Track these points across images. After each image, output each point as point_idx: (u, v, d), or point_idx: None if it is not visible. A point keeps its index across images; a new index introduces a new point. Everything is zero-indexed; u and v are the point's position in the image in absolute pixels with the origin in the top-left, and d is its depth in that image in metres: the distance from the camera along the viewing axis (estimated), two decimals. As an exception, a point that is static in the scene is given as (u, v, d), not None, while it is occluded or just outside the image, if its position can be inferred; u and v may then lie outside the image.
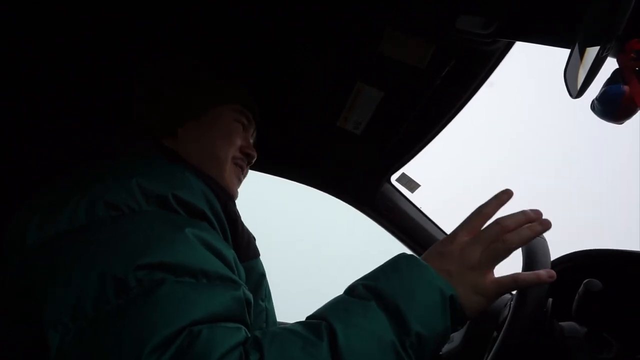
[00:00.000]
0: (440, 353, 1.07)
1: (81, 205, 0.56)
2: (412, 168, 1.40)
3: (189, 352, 0.45)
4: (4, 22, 0.82)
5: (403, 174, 1.42)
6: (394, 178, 1.45)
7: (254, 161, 0.93)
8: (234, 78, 0.93)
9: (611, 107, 0.60)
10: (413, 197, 1.48)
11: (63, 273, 0.51)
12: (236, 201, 0.87)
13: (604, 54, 0.58)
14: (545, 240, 0.75)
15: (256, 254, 0.78)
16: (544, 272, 0.61)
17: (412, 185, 1.46)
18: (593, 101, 0.63)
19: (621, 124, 0.64)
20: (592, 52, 0.61)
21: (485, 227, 0.62)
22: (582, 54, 0.62)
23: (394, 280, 0.57)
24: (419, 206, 1.50)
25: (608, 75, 0.65)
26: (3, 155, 0.76)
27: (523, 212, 0.63)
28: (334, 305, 0.57)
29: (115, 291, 0.49)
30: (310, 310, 0.58)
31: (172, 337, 0.46)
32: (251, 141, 0.96)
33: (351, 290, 0.59)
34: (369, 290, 0.57)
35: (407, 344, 0.52)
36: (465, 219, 0.64)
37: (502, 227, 0.61)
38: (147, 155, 0.73)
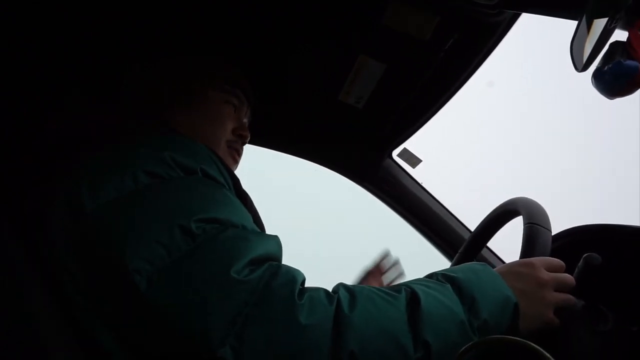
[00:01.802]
0: None
1: (125, 176, 0.60)
2: (413, 143, 1.39)
3: (278, 276, 0.55)
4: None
5: (404, 149, 1.42)
6: (395, 153, 1.44)
7: (247, 141, 0.93)
8: (229, 55, 0.91)
9: (621, 81, 0.59)
10: (414, 172, 1.48)
11: (133, 229, 0.56)
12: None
13: (612, 26, 0.57)
14: (549, 232, 0.77)
15: (262, 229, 0.79)
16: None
17: (414, 161, 1.46)
18: (600, 70, 0.61)
19: (612, 99, 0.63)
20: (599, 23, 0.60)
21: (563, 275, 0.69)
22: (589, 26, 0.61)
23: (470, 276, 0.63)
24: (420, 181, 1.50)
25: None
26: (21, 131, 0.77)
27: None
28: (414, 280, 0.64)
29: (184, 239, 0.56)
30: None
31: (255, 262, 0.56)
32: (245, 121, 0.95)
33: (429, 276, 0.66)
34: (446, 278, 0.63)
35: (475, 325, 0.58)
36: (548, 258, 0.71)
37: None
38: (168, 132, 0.76)
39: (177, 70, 0.87)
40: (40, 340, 0.55)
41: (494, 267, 0.71)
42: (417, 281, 0.63)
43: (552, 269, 0.69)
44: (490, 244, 1.16)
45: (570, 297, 0.68)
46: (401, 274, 1.07)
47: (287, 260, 0.65)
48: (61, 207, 0.61)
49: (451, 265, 1.12)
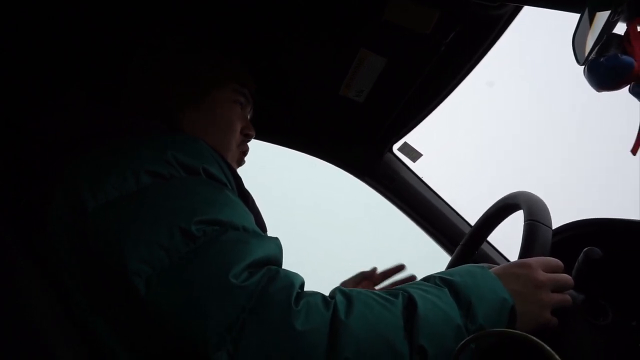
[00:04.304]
0: None
1: (126, 176, 0.60)
2: (414, 137, 1.39)
3: (275, 281, 0.54)
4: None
5: (405, 143, 1.42)
6: (396, 147, 1.44)
7: (252, 139, 0.93)
8: (229, 50, 0.90)
9: (614, 75, 0.59)
10: (415, 166, 1.48)
11: (133, 230, 0.55)
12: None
13: (614, 18, 0.56)
14: (549, 229, 0.77)
15: (264, 229, 0.78)
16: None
17: (414, 155, 1.45)
18: (595, 61, 0.61)
19: (600, 92, 0.63)
20: (602, 17, 0.59)
21: (560, 276, 0.69)
22: (591, 19, 0.61)
23: (467, 280, 0.63)
24: (420, 175, 1.50)
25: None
26: (17, 127, 0.76)
27: None
28: (412, 284, 0.64)
29: (183, 241, 0.55)
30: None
31: (254, 266, 0.55)
32: (248, 117, 0.94)
33: (427, 279, 0.65)
34: (444, 281, 0.63)
35: (472, 330, 0.58)
36: (545, 258, 0.70)
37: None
38: (168, 132, 0.75)
39: (185, 68, 0.85)
40: (43, 339, 0.55)
41: (494, 262, 0.71)
42: (414, 285, 0.63)
43: (549, 269, 0.69)
44: (490, 238, 1.16)
45: (568, 297, 0.68)
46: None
47: (286, 258, 0.65)
48: (61, 207, 0.60)
49: (451, 260, 1.12)
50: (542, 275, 0.67)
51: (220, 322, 0.51)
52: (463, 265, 0.68)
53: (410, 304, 0.58)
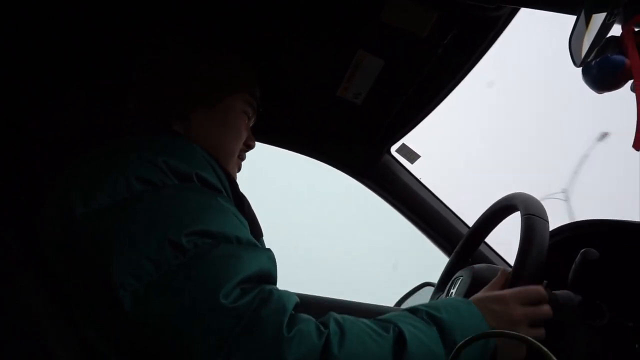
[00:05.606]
0: None
1: (117, 183, 0.58)
2: (412, 139, 1.39)
3: (268, 303, 0.53)
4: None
5: (403, 145, 1.42)
6: (394, 149, 1.44)
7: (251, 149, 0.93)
8: (229, 50, 0.90)
9: (607, 75, 0.59)
10: (413, 168, 1.49)
11: (121, 240, 0.54)
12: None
13: (610, 20, 0.57)
14: (546, 223, 0.77)
15: (260, 233, 0.78)
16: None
17: (412, 157, 1.46)
18: (588, 64, 0.61)
19: (600, 93, 0.63)
20: (598, 18, 0.60)
21: (538, 309, 0.70)
22: (587, 21, 0.61)
23: (454, 318, 0.64)
24: (418, 177, 1.50)
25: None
26: (15, 128, 0.76)
27: None
28: (401, 316, 0.64)
29: (173, 254, 0.54)
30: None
31: (246, 282, 0.54)
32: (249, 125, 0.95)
33: (414, 312, 0.66)
34: (431, 318, 0.64)
35: None
36: (523, 291, 0.71)
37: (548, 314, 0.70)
38: (164, 134, 0.74)
39: (202, 70, 0.84)
40: (42, 339, 0.55)
41: (492, 263, 0.72)
42: (404, 318, 0.63)
43: (527, 301, 0.70)
44: (488, 239, 1.17)
45: (542, 332, 0.69)
46: None
47: (285, 259, 0.65)
48: (52, 210, 0.60)
49: (448, 262, 1.12)
50: (518, 311, 0.68)
51: (208, 343, 0.50)
52: (449, 299, 0.71)
53: (400, 339, 0.58)
